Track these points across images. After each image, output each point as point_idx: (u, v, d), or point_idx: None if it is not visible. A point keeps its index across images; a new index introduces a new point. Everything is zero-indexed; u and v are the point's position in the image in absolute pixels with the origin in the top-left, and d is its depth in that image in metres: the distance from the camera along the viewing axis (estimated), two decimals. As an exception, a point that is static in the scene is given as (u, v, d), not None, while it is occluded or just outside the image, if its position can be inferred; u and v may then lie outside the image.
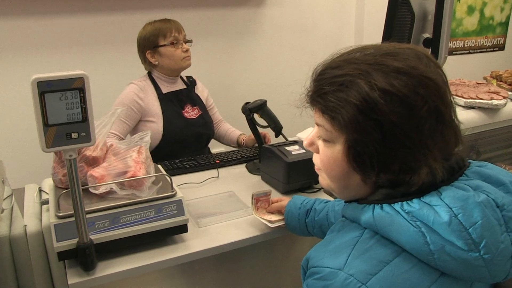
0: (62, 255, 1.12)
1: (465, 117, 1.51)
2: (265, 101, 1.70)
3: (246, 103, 1.70)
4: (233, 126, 2.25)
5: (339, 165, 0.74)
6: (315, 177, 1.57)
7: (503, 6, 3.51)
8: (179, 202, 1.22)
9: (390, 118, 0.66)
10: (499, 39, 3.52)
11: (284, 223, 1.30)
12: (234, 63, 3.01)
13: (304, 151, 1.57)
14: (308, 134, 2.05)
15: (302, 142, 1.63)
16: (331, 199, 1.35)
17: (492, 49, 3.53)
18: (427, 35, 1.36)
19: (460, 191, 0.67)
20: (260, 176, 1.70)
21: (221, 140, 2.27)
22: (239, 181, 1.68)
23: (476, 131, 1.57)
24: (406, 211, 0.67)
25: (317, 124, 0.77)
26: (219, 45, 2.93)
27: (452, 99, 0.73)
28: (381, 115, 0.66)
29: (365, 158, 0.70)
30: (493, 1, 3.36)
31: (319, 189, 1.60)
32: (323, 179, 0.82)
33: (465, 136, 1.03)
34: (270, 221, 1.30)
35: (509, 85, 1.77)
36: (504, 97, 1.59)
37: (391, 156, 0.68)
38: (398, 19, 1.27)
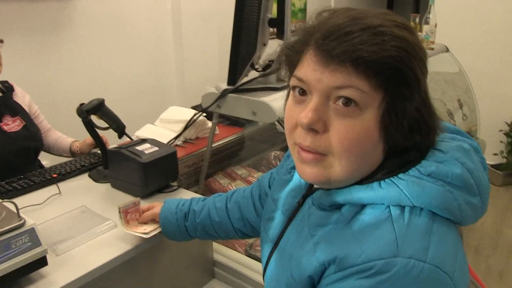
0: None
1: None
2: (103, 100, 1.52)
3: (81, 105, 1.50)
4: (64, 134, 1.98)
5: (370, 135, 0.64)
6: (172, 175, 1.51)
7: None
8: (32, 231, 1.01)
9: (423, 70, 0.65)
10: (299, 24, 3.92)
11: (160, 230, 1.19)
12: (53, 62, 2.65)
13: (157, 148, 1.45)
14: (148, 131, 1.93)
15: (152, 139, 1.51)
16: (197, 195, 1.28)
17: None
18: (270, 15, 1.38)
19: (453, 142, 0.69)
20: (109, 184, 1.53)
21: (51, 150, 1.98)
22: (87, 193, 1.48)
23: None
24: (426, 174, 0.64)
25: (339, 88, 0.62)
26: (31, 43, 2.54)
27: None
28: (423, 67, 0.64)
29: (401, 118, 0.64)
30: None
31: (178, 187, 1.51)
32: (328, 167, 0.67)
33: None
34: (145, 233, 1.17)
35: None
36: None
37: (416, 112, 0.65)
38: (248, 2, 1.25)
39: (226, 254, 1.58)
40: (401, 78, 0.62)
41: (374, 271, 0.59)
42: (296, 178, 0.87)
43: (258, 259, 1.56)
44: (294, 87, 0.69)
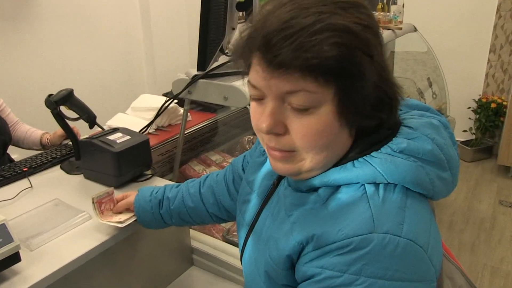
0: None
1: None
2: (72, 90, 1.49)
3: (50, 95, 1.46)
4: (33, 127, 1.93)
5: (330, 127, 0.64)
6: (145, 164, 1.50)
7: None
8: (3, 227, 0.99)
9: (376, 50, 0.63)
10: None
11: (135, 219, 1.18)
12: (18, 54, 2.56)
13: (129, 137, 1.43)
14: (120, 120, 1.90)
15: (124, 128, 1.49)
16: (171, 183, 1.27)
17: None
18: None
19: (423, 119, 0.71)
20: (82, 175, 1.51)
21: (21, 144, 1.93)
22: (60, 186, 1.46)
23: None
24: (398, 150, 0.66)
25: (288, 93, 0.62)
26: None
27: None
28: (372, 49, 0.62)
29: (359, 103, 0.64)
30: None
31: (152, 175, 1.50)
32: (298, 161, 0.68)
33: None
34: (120, 222, 1.16)
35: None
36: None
37: (375, 90, 0.65)
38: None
39: (204, 240, 1.58)
40: (347, 73, 0.61)
41: (351, 247, 0.60)
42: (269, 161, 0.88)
43: (236, 244, 1.57)
44: (251, 93, 0.69)
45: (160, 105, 1.79)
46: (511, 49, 3.82)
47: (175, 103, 1.81)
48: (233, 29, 1.45)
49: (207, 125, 2.07)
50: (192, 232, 1.58)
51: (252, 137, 2.17)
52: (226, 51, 1.47)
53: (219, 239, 1.62)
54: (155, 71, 2.87)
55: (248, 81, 0.68)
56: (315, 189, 0.71)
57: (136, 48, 2.89)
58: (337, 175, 0.67)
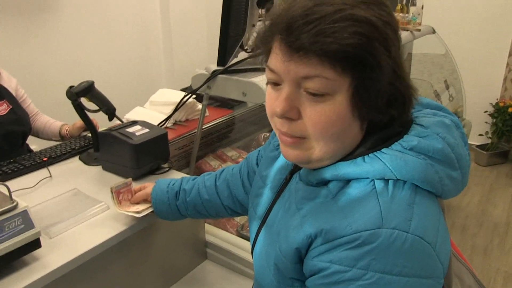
0: None
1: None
2: (93, 82, 1.51)
3: (71, 87, 1.49)
4: (52, 118, 1.96)
5: (343, 117, 0.65)
6: (163, 157, 1.51)
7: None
8: (25, 213, 1.01)
9: (394, 46, 0.64)
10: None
11: (152, 210, 1.20)
12: (40, 46, 2.61)
13: (148, 130, 1.45)
14: (138, 114, 1.92)
15: (143, 121, 1.51)
16: (182, 174, 1.28)
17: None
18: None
19: (435, 118, 0.71)
20: (100, 166, 1.53)
21: (40, 135, 1.96)
22: (78, 176, 1.48)
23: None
24: (409, 148, 0.67)
25: (306, 78, 0.64)
26: (17, 26, 2.49)
27: None
28: (391, 45, 0.63)
29: (373, 97, 0.65)
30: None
31: (169, 169, 1.52)
32: (308, 148, 0.69)
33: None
34: (137, 212, 1.17)
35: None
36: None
37: (390, 87, 0.66)
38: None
39: (218, 235, 1.59)
40: (365, 63, 0.62)
41: (359, 241, 0.61)
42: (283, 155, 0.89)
43: (249, 239, 1.58)
44: (269, 78, 0.70)
45: (178, 100, 1.81)
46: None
47: (193, 98, 1.83)
48: (253, 25, 1.46)
49: (224, 121, 2.08)
50: (207, 226, 1.60)
51: (268, 134, 2.17)
52: (246, 47, 1.48)
53: (233, 234, 1.63)
54: (173, 66, 2.89)
55: (267, 66, 0.69)
56: (325, 183, 0.72)
57: (154, 43, 2.92)
58: (348, 169, 0.68)
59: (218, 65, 1.39)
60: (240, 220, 1.69)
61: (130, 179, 1.25)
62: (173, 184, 1.19)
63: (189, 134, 1.86)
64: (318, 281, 0.66)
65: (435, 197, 0.69)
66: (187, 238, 1.51)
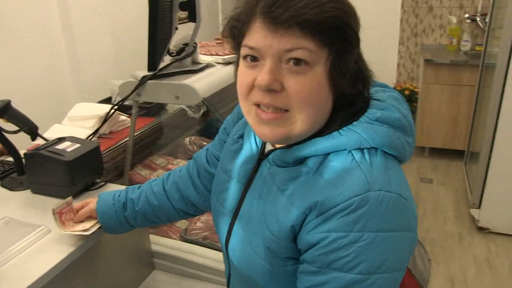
0: None
1: (228, 71, 1.61)
2: (9, 102, 1.41)
3: (-16, 109, 1.37)
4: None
5: (322, 87, 0.71)
6: (97, 171, 1.45)
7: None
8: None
9: (358, 27, 0.72)
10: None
11: (99, 225, 1.15)
12: None
13: (79, 145, 1.39)
14: (58, 131, 1.83)
15: (71, 137, 1.44)
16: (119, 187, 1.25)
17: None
18: (181, -1, 1.38)
19: (387, 93, 0.80)
20: (28, 190, 1.43)
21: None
22: (5, 204, 1.37)
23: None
24: (374, 119, 0.73)
25: (289, 50, 0.68)
26: None
27: None
28: (358, 23, 0.72)
29: (345, 70, 0.71)
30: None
31: (105, 183, 1.46)
32: (291, 123, 0.73)
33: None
34: (85, 230, 1.12)
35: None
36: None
37: (356, 67, 0.73)
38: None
39: (162, 243, 1.57)
40: (343, 36, 0.69)
41: (354, 206, 0.67)
42: (247, 146, 0.91)
43: (195, 243, 1.58)
44: (245, 56, 0.73)
45: (99, 113, 1.76)
46: (416, 41, 4.16)
47: (115, 109, 1.77)
48: (176, 29, 1.45)
49: (148, 129, 2.04)
50: (151, 236, 1.56)
51: (193, 138, 2.17)
52: (171, 51, 1.48)
53: (177, 240, 1.61)
54: (81, 80, 2.76)
55: (245, 45, 0.73)
56: (301, 161, 0.76)
57: (58, 57, 2.76)
58: (325, 143, 0.73)
59: (149, 70, 1.37)
60: (181, 225, 1.68)
61: (70, 197, 1.19)
62: (119, 196, 1.16)
63: (116, 146, 1.81)
64: (318, 252, 0.70)
65: (398, 161, 0.76)
66: (133, 251, 1.47)
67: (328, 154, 0.73)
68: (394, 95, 0.82)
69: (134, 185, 1.20)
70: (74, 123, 1.85)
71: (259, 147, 0.87)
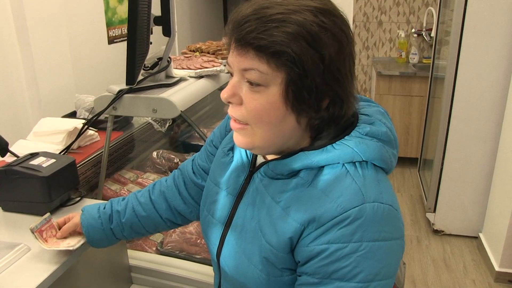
0: None
1: (201, 85, 1.63)
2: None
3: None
4: None
5: (276, 108, 0.73)
6: (73, 186, 1.43)
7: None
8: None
9: (329, 51, 0.70)
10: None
11: (84, 240, 1.14)
12: None
13: (54, 160, 1.37)
14: (23, 147, 1.79)
15: (44, 152, 1.41)
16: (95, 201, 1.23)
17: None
18: (155, 14, 1.39)
19: (372, 108, 0.84)
20: (-1, 208, 1.39)
21: None
22: (-24, 224, 1.32)
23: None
24: (364, 134, 0.77)
25: (245, 70, 0.73)
26: None
27: None
28: (324, 48, 0.70)
29: (304, 94, 0.71)
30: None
31: (81, 198, 1.44)
32: (251, 135, 0.77)
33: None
34: (69, 245, 1.11)
35: (213, 54, 2.00)
36: (220, 64, 1.80)
37: (326, 89, 0.73)
38: (141, 2, 1.24)
39: (139, 257, 1.56)
40: (292, 60, 0.69)
41: (351, 218, 0.70)
42: (237, 159, 0.93)
43: (172, 255, 1.57)
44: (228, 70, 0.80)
45: (67, 127, 1.73)
46: (367, 54, 4.33)
47: (88, 125, 1.75)
48: (151, 43, 1.47)
49: (116, 143, 2.02)
50: (128, 250, 1.55)
51: (161, 151, 2.16)
52: (146, 65, 1.48)
53: (154, 253, 1.60)
54: (39, 94, 2.68)
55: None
56: (295, 173, 0.79)
57: (14, 68, 2.68)
58: (320, 156, 0.76)
59: (127, 83, 1.37)
60: (156, 238, 1.67)
61: (48, 214, 1.16)
62: (104, 208, 1.15)
63: (87, 161, 1.78)
64: (319, 263, 0.72)
65: (385, 172, 0.81)
66: (110, 267, 1.45)
67: (322, 167, 0.77)
68: (379, 110, 0.87)
69: (119, 197, 1.20)
70: (41, 139, 1.80)
71: (250, 160, 0.90)
